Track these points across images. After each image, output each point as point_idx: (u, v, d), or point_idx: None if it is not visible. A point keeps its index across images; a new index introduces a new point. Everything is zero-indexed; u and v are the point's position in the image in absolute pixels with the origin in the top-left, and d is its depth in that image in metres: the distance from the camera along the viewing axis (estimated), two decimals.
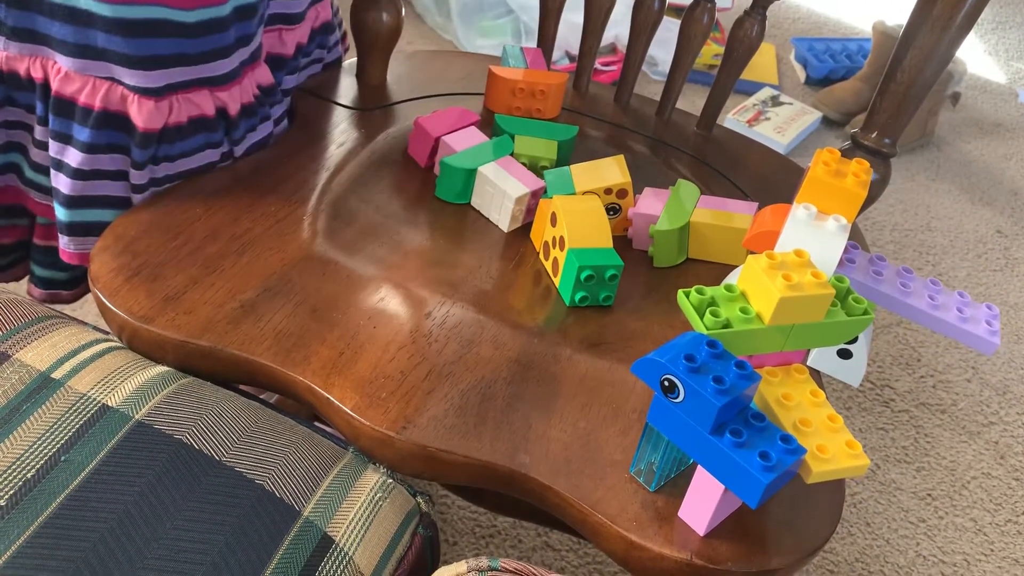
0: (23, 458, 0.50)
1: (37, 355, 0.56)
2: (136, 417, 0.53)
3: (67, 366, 0.56)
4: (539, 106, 0.83)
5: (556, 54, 1.72)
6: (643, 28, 0.86)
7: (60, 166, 0.67)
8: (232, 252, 0.64)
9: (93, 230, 0.70)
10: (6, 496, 0.48)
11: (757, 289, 0.48)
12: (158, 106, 0.65)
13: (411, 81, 0.87)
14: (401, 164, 0.77)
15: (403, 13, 0.84)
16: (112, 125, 0.66)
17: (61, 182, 0.68)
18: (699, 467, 0.45)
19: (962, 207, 1.69)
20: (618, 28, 1.73)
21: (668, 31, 0.87)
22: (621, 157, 0.73)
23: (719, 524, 0.50)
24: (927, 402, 1.30)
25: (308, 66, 0.83)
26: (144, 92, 0.64)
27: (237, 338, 0.58)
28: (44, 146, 0.68)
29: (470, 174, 0.72)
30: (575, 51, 0.99)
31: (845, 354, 0.64)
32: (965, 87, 1.97)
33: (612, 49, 1.84)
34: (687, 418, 0.43)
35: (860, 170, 0.61)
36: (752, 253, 0.52)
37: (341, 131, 0.79)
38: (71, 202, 0.68)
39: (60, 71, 0.64)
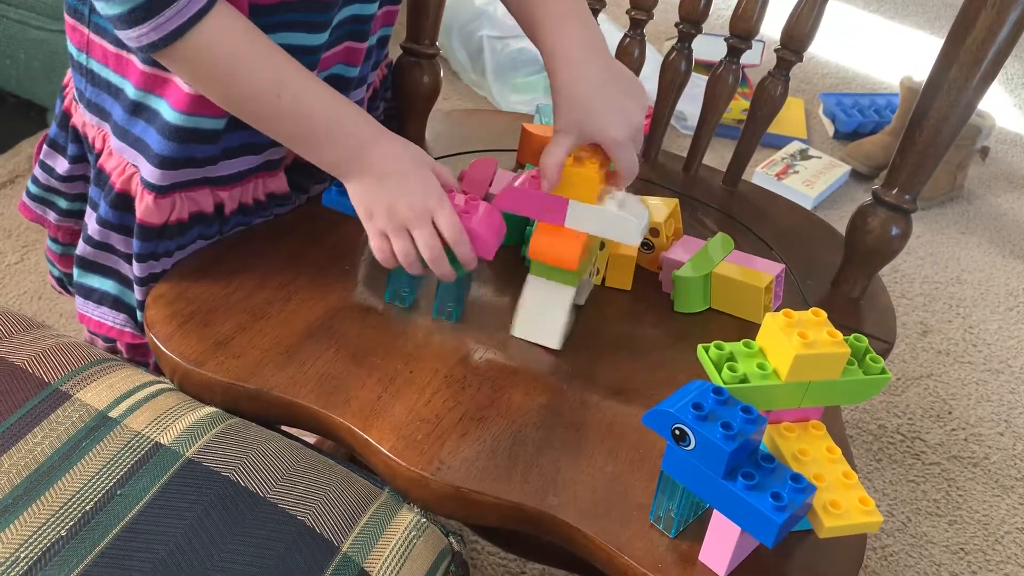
0: (82, 491, 0.53)
1: (96, 395, 0.60)
2: (186, 455, 0.56)
3: (123, 406, 0.59)
4: None
5: None
6: (669, 89, 0.89)
7: (85, 228, 0.72)
8: (278, 300, 0.67)
9: (92, 295, 0.74)
10: (67, 527, 0.51)
11: (774, 346, 0.50)
12: (158, 203, 0.67)
13: (448, 138, 0.92)
14: None
15: (441, 74, 0.88)
16: (127, 208, 0.69)
17: (79, 244, 0.73)
18: (715, 511, 0.47)
19: (993, 260, 1.70)
20: (649, 84, 1.78)
21: (697, 87, 0.91)
22: (675, 201, 0.76)
23: (739, 565, 0.52)
24: (959, 455, 1.29)
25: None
26: (150, 187, 0.67)
27: (282, 381, 0.61)
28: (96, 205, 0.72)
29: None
30: None
31: None
32: (994, 141, 1.98)
33: None
34: (700, 465, 0.45)
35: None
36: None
37: None
38: (80, 263, 0.73)
39: (107, 146, 0.70)
